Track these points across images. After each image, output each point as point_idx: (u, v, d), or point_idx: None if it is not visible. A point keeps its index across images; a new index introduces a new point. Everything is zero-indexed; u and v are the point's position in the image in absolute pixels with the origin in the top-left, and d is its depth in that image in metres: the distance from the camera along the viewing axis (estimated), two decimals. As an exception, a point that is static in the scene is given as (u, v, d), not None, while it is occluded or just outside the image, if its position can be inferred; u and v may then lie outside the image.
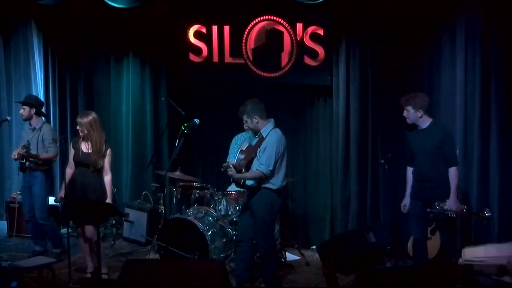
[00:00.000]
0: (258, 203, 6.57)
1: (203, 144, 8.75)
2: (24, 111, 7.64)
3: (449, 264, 6.57)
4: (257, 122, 6.55)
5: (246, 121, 6.58)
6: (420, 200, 6.52)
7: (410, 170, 6.69)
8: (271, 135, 6.54)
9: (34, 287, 6.58)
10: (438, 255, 6.80)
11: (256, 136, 6.64)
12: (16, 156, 7.53)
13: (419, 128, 6.49)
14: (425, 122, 6.44)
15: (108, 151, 6.89)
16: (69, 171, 7.00)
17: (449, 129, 6.73)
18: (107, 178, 6.89)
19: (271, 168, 6.44)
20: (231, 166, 6.47)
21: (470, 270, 6.50)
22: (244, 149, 6.68)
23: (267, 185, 6.54)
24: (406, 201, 6.71)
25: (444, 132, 6.44)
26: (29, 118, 7.66)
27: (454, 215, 6.32)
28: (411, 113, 6.42)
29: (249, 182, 6.60)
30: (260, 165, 6.45)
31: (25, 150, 7.46)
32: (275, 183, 6.55)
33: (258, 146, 6.54)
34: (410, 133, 6.62)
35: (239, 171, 6.54)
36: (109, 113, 9.01)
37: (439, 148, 6.35)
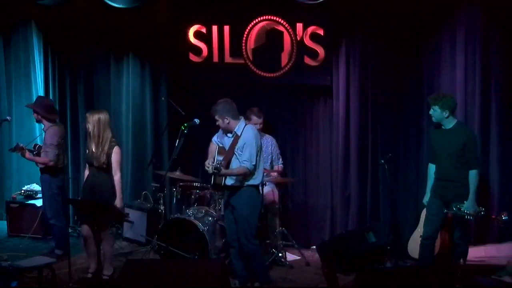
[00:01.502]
0: (240, 202, 6.56)
1: (203, 144, 8.73)
2: (34, 114, 7.71)
3: (449, 264, 6.56)
4: (228, 123, 6.57)
5: (218, 121, 6.60)
6: (439, 198, 6.51)
7: (431, 167, 6.68)
8: (247, 132, 6.56)
9: (34, 287, 6.58)
10: (439, 254, 6.79)
11: (230, 136, 6.64)
12: None
13: (443, 127, 6.48)
14: (450, 122, 6.44)
15: (115, 149, 6.83)
16: (86, 172, 7.05)
17: (473, 132, 6.71)
18: (116, 178, 6.86)
19: (254, 163, 6.48)
20: (217, 165, 6.46)
21: (470, 270, 6.51)
22: (219, 151, 6.68)
23: (250, 182, 6.55)
24: (427, 197, 6.71)
25: (468, 135, 6.42)
26: (40, 121, 7.73)
27: (471, 218, 6.30)
28: (437, 112, 6.42)
29: (229, 182, 6.58)
30: (243, 162, 6.46)
31: (19, 152, 7.49)
32: (258, 177, 6.59)
33: (235, 145, 6.55)
34: (434, 132, 6.61)
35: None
36: (109, 113, 8.96)
37: (462, 150, 6.34)
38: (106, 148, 6.79)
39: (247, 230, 6.57)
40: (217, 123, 6.65)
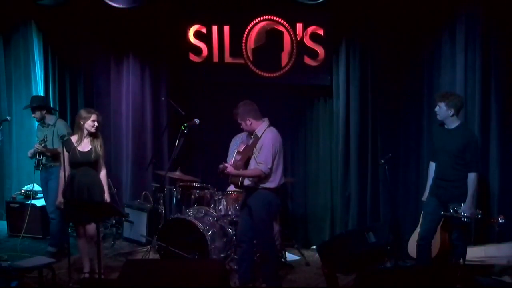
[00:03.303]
0: (256, 203, 6.57)
1: (203, 144, 8.75)
2: (36, 114, 7.72)
3: (449, 264, 6.56)
4: (251, 124, 6.59)
5: (241, 123, 6.63)
6: (436, 197, 6.50)
7: (432, 165, 6.67)
8: (266, 134, 6.56)
9: (34, 287, 6.58)
10: (439, 255, 6.79)
11: (251, 137, 6.65)
12: (31, 155, 7.65)
13: (445, 127, 6.47)
14: (454, 122, 6.42)
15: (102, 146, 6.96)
16: (61, 174, 6.90)
17: (475, 135, 6.68)
18: (103, 173, 6.90)
19: (270, 166, 6.46)
20: (227, 165, 6.47)
21: (470, 270, 6.51)
22: (241, 150, 6.69)
23: (265, 185, 6.54)
24: (426, 195, 6.71)
25: (469, 137, 6.40)
26: (42, 119, 7.73)
27: (468, 220, 6.29)
28: (442, 110, 6.39)
29: (246, 182, 6.59)
30: (258, 164, 6.46)
31: (42, 145, 7.51)
32: (274, 181, 6.56)
33: (254, 146, 6.55)
34: (437, 130, 6.60)
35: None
36: (109, 113, 9.00)
37: (462, 152, 6.31)
38: (99, 144, 6.85)
39: (263, 231, 6.58)
40: (241, 127, 6.67)
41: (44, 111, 7.70)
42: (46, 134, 7.65)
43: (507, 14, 7.02)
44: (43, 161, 7.65)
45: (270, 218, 6.64)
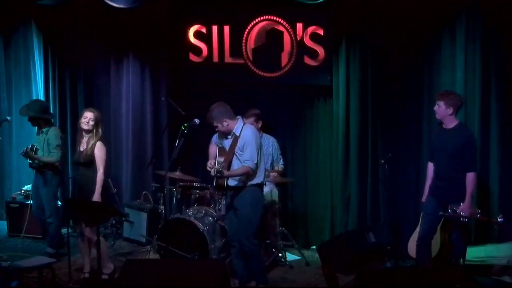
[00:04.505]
0: (244, 202, 6.56)
1: (203, 144, 8.73)
2: (32, 122, 7.70)
3: (449, 264, 6.56)
4: (228, 125, 6.56)
5: (217, 126, 6.58)
6: (435, 198, 6.50)
7: (430, 165, 6.66)
8: (245, 131, 6.55)
9: (34, 287, 6.58)
10: (438, 255, 6.79)
11: (229, 137, 6.63)
12: (23, 153, 7.63)
13: (444, 126, 6.47)
14: (452, 122, 6.41)
15: (98, 145, 6.83)
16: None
17: (473, 135, 6.68)
18: (98, 174, 6.81)
19: (256, 162, 6.47)
20: (219, 168, 6.46)
21: (470, 270, 6.50)
22: (220, 152, 6.67)
23: (253, 182, 6.55)
24: (424, 196, 6.70)
25: (467, 137, 6.39)
26: (38, 125, 7.70)
27: (466, 220, 6.29)
28: (441, 109, 6.39)
29: (232, 183, 6.58)
30: (245, 161, 6.45)
31: (23, 154, 7.48)
32: (260, 176, 6.59)
33: (235, 145, 6.54)
34: (436, 129, 6.60)
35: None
36: (109, 113, 9.00)
37: (460, 152, 6.31)
38: (92, 143, 6.81)
39: (248, 229, 6.56)
40: (217, 129, 6.64)
41: (41, 120, 7.68)
42: (35, 142, 7.63)
43: (507, 14, 7.02)
44: (33, 164, 7.63)
45: (256, 217, 6.61)
